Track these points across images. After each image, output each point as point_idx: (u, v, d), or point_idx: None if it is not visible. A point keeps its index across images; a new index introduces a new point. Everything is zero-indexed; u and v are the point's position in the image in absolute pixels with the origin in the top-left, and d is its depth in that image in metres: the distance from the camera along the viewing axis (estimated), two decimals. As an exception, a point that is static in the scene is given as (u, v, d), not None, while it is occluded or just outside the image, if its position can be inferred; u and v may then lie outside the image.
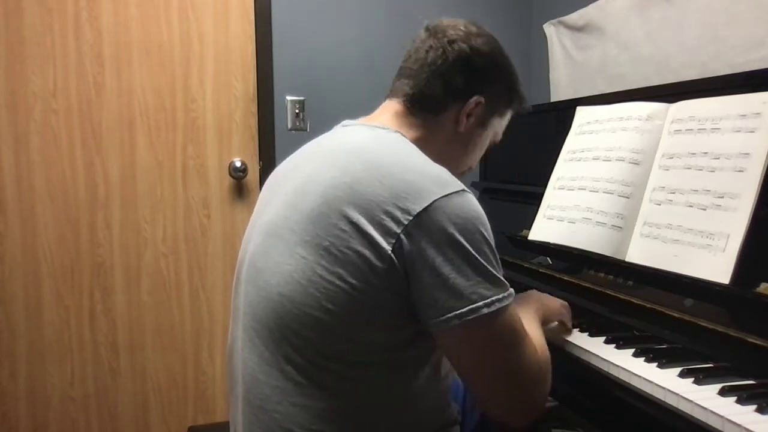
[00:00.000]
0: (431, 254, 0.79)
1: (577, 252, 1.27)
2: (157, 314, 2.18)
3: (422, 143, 0.95)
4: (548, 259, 1.42)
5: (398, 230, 0.79)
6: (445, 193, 0.81)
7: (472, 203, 0.83)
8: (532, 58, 2.49)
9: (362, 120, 1.01)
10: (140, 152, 2.13)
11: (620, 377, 0.95)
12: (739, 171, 1.00)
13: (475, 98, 0.98)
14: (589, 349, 1.03)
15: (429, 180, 0.82)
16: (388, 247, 0.79)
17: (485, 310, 0.79)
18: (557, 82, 2.29)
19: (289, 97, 2.26)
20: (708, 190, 1.04)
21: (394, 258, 0.79)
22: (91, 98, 2.06)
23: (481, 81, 0.99)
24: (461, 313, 0.79)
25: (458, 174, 1.05)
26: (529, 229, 1.42)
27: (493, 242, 0.84)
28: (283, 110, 2.26)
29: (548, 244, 1.35)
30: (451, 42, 0.97)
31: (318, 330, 0.82)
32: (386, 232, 0.79)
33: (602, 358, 0.99)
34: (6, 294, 2.02)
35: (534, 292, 1.14)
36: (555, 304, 1.12)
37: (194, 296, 2.22)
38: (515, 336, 0.84)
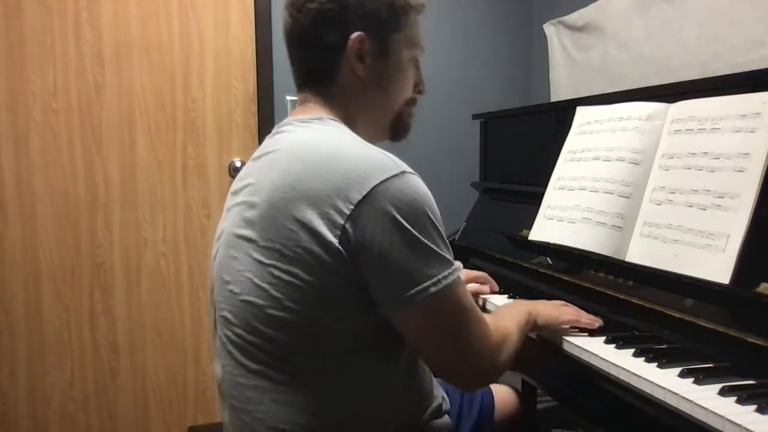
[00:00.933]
0: (377, 240, 0.80)
1: (577, 252, 1.27)
2: (157, 314, 2.18)
3: (348, 114, 0.96)
4: (548, 259, 1.42)
5: (342, 221, 0.80)
6: (384, 178, 0.81)
7: (412, 184, 0.83)
8: (532, 58, 2.49)
9: (293, 116, 0.98)
10: (140, 152, 2.13)
11: (620, 377, 0.95)
12: (739, 171, 1.00)
13: (351, 40, 0.93)
14: (589, 349, 1.03)
15: (368, 166, 0.82)
16: (334, 240, 0.80)
17: (432, 289, 0.81)
18: (557, 82, 2.29)
19: (289, 97, 2.26)
20: (708, 190, 1.04)
21: (342, 250, 0.80)
22: (91, 98, 2.06)
23: (346, 23, 0.93)
24: (410, 295, 0.81)
25: (404, 106, 1.02)
26: (529, 229, 1.42)
27: (437, 219, 0.84)
28: (283, 110, 2.25)
29: (548, 244, 1.35)
30: (299, 8, 0.94)
31: (286, 329, 0.83)
32: (333, 225, 0.80)
33: (602, 358, 0.99)
34: (6, 294, 2.02)
35: (545, 302, 1.16)
36: (547, 309, 1.11)
37: (194, 296, 2.22)
38: (462, 309, 0.85)
